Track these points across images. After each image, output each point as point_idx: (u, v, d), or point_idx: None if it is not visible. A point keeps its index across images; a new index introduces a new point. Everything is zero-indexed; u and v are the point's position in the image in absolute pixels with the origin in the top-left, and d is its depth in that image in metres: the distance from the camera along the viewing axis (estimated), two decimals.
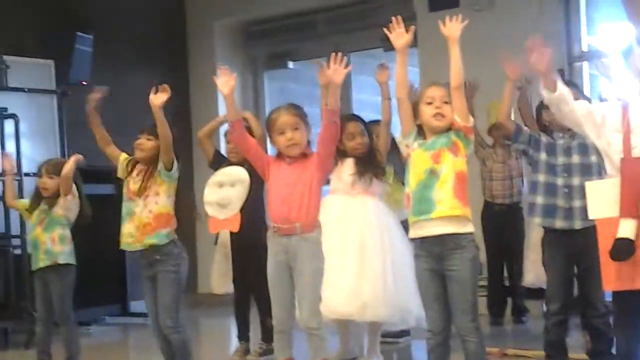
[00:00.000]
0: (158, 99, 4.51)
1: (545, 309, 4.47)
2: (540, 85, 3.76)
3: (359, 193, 5.10)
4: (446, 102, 3.84)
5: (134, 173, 4.65)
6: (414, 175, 3.85)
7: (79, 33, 7.91)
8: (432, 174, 3.79)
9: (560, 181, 4.47)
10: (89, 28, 8.03)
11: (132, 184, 4.62)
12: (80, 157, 5.18)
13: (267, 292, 4.20)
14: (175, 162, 4.61)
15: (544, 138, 4.61)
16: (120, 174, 4.70)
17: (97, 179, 7.70)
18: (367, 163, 5.13)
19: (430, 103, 3.85)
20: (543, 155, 4.57)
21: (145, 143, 4.62)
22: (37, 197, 5.23)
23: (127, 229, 4.60)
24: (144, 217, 4.54)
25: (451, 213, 3.76)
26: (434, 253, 3.79)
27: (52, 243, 5.13)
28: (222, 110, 8.99)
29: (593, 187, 3.70)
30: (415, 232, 3.86)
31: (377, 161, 5.17)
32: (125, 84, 8.72)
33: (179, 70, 9.21)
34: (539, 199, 4.55)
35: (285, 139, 4.10)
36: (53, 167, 5.20)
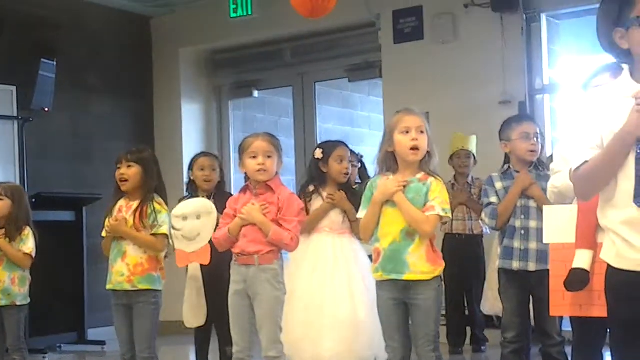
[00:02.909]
0: None
1: (502, 337, 4.47)
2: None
3: (345, 232, 4.99)
4: (422, 132, 3.79)
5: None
6: (388, 233, 3.80)
7: (43, 59, 7.83)
8: (408, 235, 3.76)
9: (517, 223, 4.41)
10: (52, 54, 7.96)
11: None
12: None
13: (229, 321, 4.17)
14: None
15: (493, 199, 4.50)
16: None
17: (57, 206, 7.64)
18: (351, 199, 4.96)
19: (406, 132, 3.78)
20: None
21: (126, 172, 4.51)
22: None
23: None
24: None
25: (422, 278, 3.76)
26: (398, 284, 3.79)
27: (11, 284, 5.04)
28: (186, 137, 9.05)
29: (550, 212, 3.72)
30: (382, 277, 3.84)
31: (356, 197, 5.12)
32: (88, 111, 8.66)
33: (143, 98, 9.16)
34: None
35: (255, 162, 4.08)
36: (5, 190, 5.08)
